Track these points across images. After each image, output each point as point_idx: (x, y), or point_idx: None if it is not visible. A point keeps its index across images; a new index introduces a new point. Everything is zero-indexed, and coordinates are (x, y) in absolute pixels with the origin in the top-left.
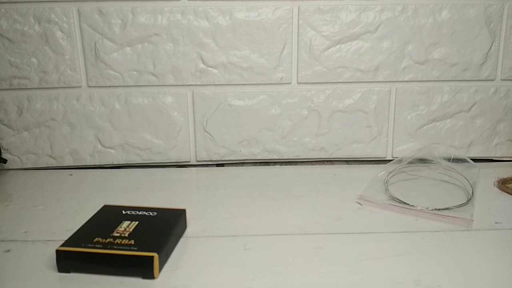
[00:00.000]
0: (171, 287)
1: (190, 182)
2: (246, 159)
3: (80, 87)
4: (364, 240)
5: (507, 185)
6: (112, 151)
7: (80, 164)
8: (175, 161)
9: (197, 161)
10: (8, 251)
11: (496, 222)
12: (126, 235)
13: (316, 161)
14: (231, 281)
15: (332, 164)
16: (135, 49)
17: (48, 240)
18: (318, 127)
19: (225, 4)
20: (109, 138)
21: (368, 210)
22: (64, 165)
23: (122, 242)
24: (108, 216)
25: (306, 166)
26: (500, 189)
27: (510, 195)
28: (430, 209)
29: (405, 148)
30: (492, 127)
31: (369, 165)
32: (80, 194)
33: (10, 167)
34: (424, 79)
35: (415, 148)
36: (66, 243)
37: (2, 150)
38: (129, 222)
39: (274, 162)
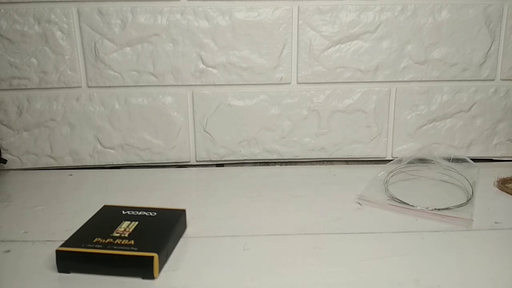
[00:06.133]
0: (171, 287)
1: (190, 182)
2: (246, 159)
3: (80, 87)
4: (364, 240)
5: (507, 185)
6: (112, 151)
7: (80, 165)
8: (174, 161)
9: (197, 161)
10: (8, 251)
11: (496, 222)
12: (126, 235)
13: (316, 161)
14: (231, 281)
15: (332, 164)
16: (134, 49)
17: (48, 241)
18: (318, 127)
19: (225, 4)
20: (109, 139)
21: (368, 210)
22: (64, 165)
23: (122, 242)
24: (108, 216)
25: (305, 166)
26: (500, 189)
27: (510, 195)
28: (430, 209)
29: (405, 148)
30: (492, 127)
31: (369, 165)
32: (80, 194)
33: (10, 168)
34: (423, 79)
35: (415, 148)
36: (66, 244)
37: (2, 151)
38: (129, 222)
39: (273, 162)
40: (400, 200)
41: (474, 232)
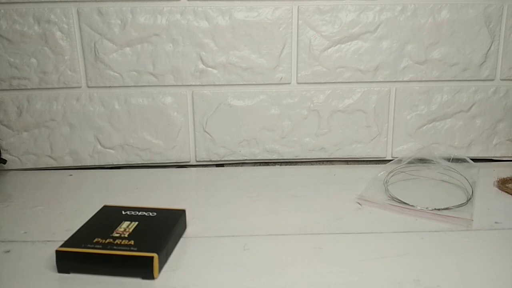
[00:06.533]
0: (171, 287)
1: (190, 183)
2: (246, 159)
3: (80, 87)
4: (364, 240)
5: (507, 185)
6: (112, 151)
7: (80, 165)
8: (174, 161)
9: (196, 161)
10: (8, 251)
11: (496, 222)
12: (126, 235)
13: (316, 161)
14: (231, 282)
15: (332, 164)
16: (134, 49)
17: (47, 241)
18: (318, 127)
19: (225, 4)
20: (108, 139)
21: (368, 210)
22: (64, 165)
23: (122, 243)
24: (108, 217)
25: (305, 166)
26: (499, 189)
27: (510, 195)
28: (430, 209)
29: (405, 148)
30: (492, 127)
31: (369, 165)
32: (80, 194)
33: (10, 168)
34: (423, 79)
35: (415, 148)
36: (66, 244)
37: (2, 151)
38: (128, 222)
39: (273, 162)
40: (400, 200)
41: (474, 232)
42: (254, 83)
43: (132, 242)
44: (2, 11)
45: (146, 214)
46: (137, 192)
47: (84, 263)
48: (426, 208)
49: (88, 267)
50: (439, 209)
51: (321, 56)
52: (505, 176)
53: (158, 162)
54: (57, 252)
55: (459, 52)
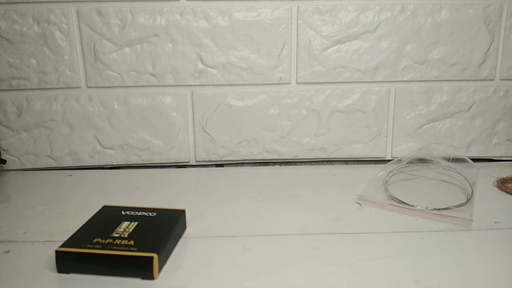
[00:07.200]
0: (170, 287)
1: (190, 183)
2: (246, 159)
3: (79, 87)
4: (364, 240)
5: (507, 185)
6: (112, 151)
7: (79, 165)
8: (174, 161)
9: (196, 161)
10: (8, 252)
11: (495, 222)
12: (126, 235)
13: (316, 161)
14: (231, 282)
15: (332, 164)
16: (134, 49)
17: (47, 241)
18: (318, 127)
19: (224, 4)
20: (108, 139)
21: (368, 210)
22: (64, 165)
23: (122, 243)
24: (108, 217)
25: (305, 166)
26: (499, 188)
27: (510, 195)
28: (429, 209)
29: (405, 148)
30: (491, 126)
31: (369, 165)
32: (80, 194)
33: (9, 168)
34: (423, 79)
35: (415, 148)
36: (66, 244)
37: (1, 151)
38: (128, 222)
39: (273, 162)
40: (400, 200)
41: (474, 232)
42: (254, 83)
43: (132, 242)
44: (2, 11)
45: (145, 214)
46: (137, 192)
47: (84, 263)
48: (426, 208)
49: (88, 267)
50: (438, 209)
51: (320, 56)
52: (504, 176)
53: (157, 162)
54: (57, 252)
55: (459, 52)
